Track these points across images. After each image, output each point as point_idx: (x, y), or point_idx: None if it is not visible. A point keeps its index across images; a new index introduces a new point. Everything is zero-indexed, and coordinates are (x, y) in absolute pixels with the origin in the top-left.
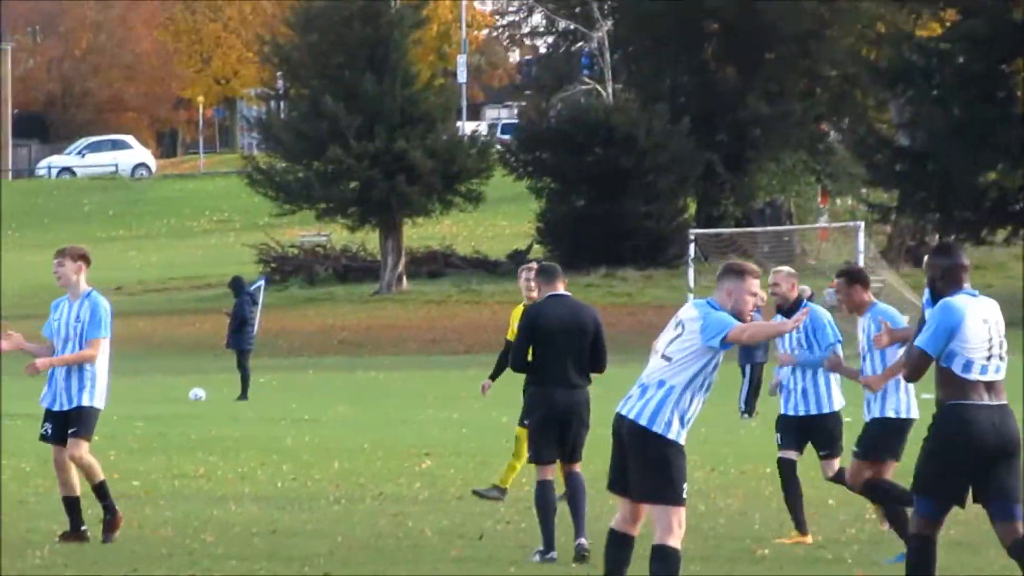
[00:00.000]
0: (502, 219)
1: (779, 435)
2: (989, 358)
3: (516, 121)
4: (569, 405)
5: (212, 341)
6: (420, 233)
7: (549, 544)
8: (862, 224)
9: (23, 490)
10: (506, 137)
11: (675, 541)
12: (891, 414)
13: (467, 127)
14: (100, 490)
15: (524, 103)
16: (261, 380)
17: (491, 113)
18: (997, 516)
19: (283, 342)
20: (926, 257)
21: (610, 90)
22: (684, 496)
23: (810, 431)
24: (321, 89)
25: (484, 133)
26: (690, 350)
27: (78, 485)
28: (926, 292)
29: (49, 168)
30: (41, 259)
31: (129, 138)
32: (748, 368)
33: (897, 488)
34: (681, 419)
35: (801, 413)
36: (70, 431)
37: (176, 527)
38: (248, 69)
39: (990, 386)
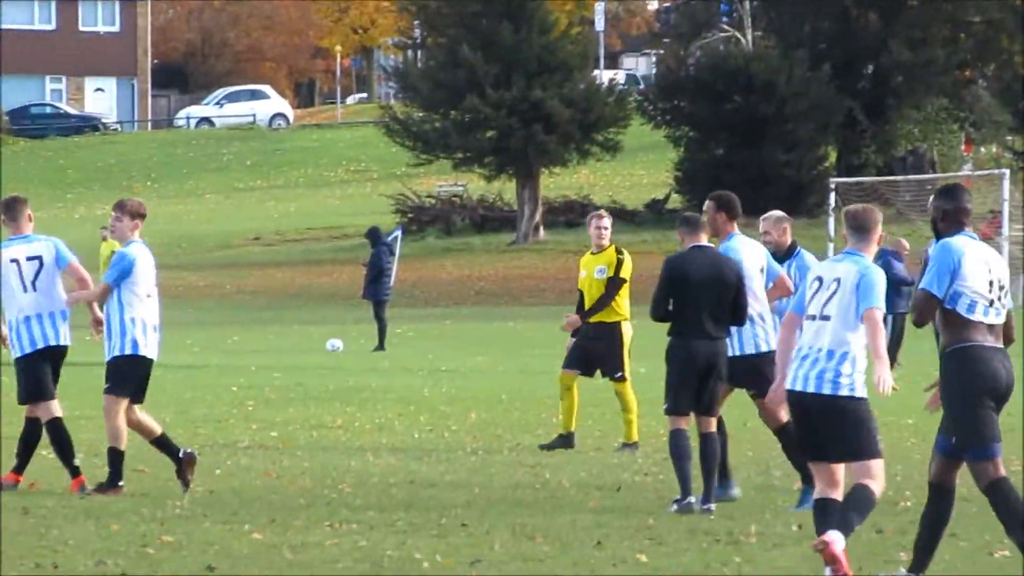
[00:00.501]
0: (640, 168)
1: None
2: (991, 302)
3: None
4: (708, 357)
5: (349, 291)
6: (557, 183)
7: (686, 490)
8: (1007, 172)
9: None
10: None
11: (878, 489)
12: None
13: (604, 75)
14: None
15: (662, 51)
16: (398, 330)
17: (628, 61)
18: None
19: (420, 292)
20: (930, 199)
21: (749, 37)
22: (882, 446)
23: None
24: (458, 38)
25: (622, 82)
26: (851, 307)
27: (156, 427)
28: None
29: (188, 119)
30: (181, 209)
31: (267, 88)
32: (890, 318)
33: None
34: (859, 373)
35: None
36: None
37: (314, 477)
38: (385, 18)
39: (992, 328)
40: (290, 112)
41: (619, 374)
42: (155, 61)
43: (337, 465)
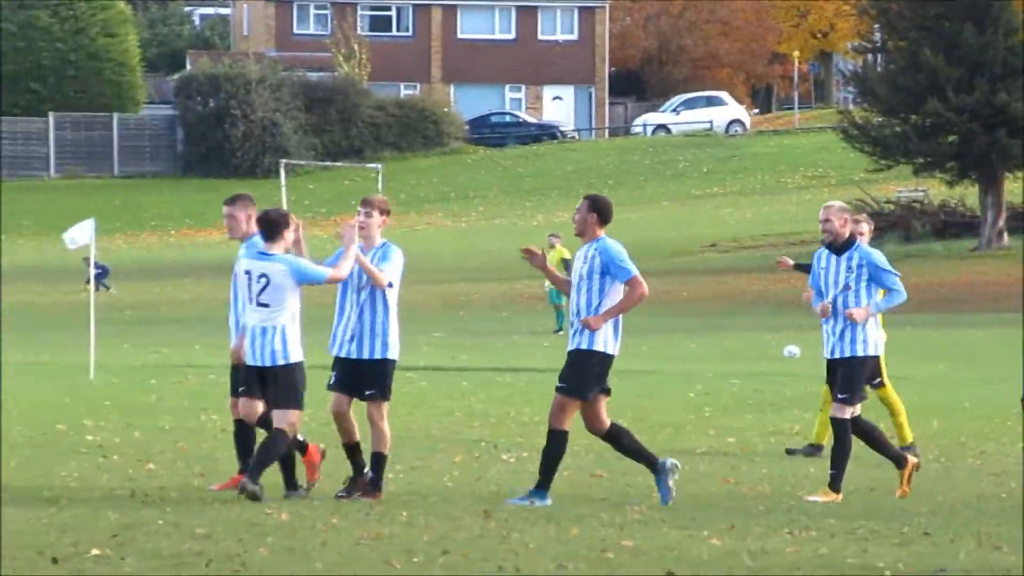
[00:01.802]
0: None
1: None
2: None
3: None
4: None
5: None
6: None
7: None
8: None
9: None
10: None
11: None
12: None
13: None
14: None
15: None
16: None
17: None
18: None
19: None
20: None
21: None
22: None
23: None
24: (919, 41)
25: None
26: None
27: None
28: None
29: (645, 126)
30: (637, 216)
31: (724, 95)
32: None
33: None
34: None
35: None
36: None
37: (773, 484)
38: (845, 23)
39: None
40: (747, 118)
41: (878, 380)
42: (612, 68)
43: (796, 471)
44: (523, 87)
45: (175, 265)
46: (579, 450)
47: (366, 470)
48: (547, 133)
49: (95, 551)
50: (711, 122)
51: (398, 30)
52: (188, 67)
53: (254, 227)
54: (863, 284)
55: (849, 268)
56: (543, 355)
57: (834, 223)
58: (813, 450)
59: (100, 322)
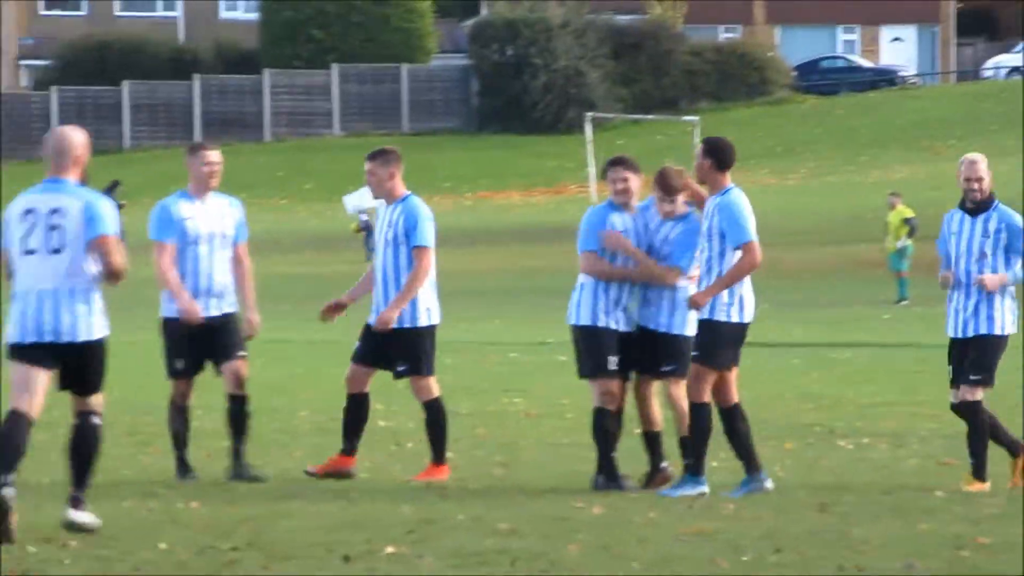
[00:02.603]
0: None
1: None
2: None
3: None
4: None
5: None
6: None
7: None
8: None
9: None
10: None
11: None
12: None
13: None
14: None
15: None
16: None
17: None
18: None
19: None
20: None
21: None
22: None
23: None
24: None
25: None
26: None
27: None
28: None
29: (997, 69)
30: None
31: None
32: None
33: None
34: None
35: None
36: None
37: None
38: None
39: None
40: None
41: None
42: (959, 4)
43: None
44: (857, 28)
45: (470, 231)
46: (927, 435)
47: (664, 464)
48: (885, 79)
49: (390, 548)
50: None
51: None
52: (483, 12)
53: (399, 186)
54: (1000, 252)
55: (986, 233)
56: (885, 328)
57: (986, 180)
58: None
59: None
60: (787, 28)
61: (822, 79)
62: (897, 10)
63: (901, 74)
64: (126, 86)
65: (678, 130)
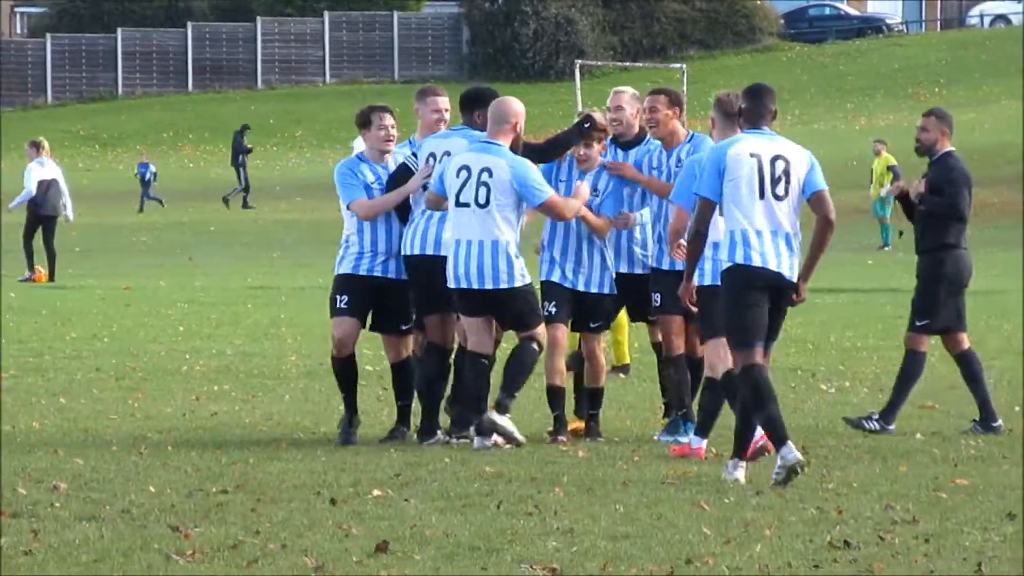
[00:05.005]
0: None
1: None
2: None
3: None
4: None
5: None
6: None
7: None
8: None
9: None
10: None
11: None
12: None
13: None
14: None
15: None
16: None
17: None
18: None
19: None
20: None
21: None
22: None
23: None
24: None
25: None
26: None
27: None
28: None
29: (982, 16)
30: (972, 118)
31: None
32: None
33: None
34: None
35: None
36: None
37: None
38: None
39: None
40: None
41: None
42: None
43: None
44: None
45: None
46: None
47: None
48: (871, 27)
49: (376, 492)
50: None
51: None
52: None
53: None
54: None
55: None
56: (866, 273)
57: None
58: None
59: None
60: None
61: (810, 27)
62: None
63: (888, 22)
64: (120, 33)
65: (666, 76)
